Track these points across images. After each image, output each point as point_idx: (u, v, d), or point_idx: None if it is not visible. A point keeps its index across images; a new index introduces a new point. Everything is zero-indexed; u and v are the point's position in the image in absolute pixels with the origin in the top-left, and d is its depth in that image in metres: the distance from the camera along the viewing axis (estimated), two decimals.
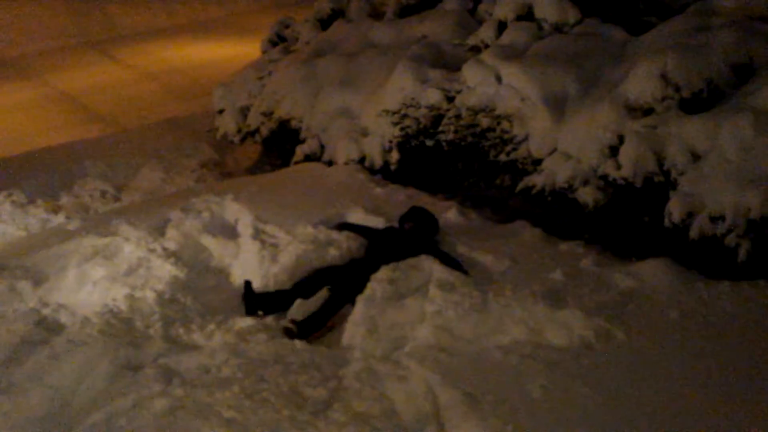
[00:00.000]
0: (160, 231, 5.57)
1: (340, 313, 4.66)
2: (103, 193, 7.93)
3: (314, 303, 4.68)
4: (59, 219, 7.03)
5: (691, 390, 3.54)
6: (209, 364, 4.03)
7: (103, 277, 4.92)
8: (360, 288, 4.64)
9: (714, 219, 4.77)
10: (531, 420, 3.38)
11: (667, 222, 4.98)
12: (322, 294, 4.73)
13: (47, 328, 4.39)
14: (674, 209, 4.93)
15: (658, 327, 4.07)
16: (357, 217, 5.76)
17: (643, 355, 3.84)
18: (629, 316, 4.17)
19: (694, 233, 4.84)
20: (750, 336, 3.97)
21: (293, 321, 4.49)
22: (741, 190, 4.67)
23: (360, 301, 4.52)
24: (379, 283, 4.61)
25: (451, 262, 4.87)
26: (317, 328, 4.56)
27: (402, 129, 6.83)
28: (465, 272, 4.79)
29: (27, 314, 4.50)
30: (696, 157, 4.99)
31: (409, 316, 4.40)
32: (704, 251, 4.81)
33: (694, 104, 5.23)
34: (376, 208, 5.87)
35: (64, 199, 7.64)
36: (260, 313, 4.67)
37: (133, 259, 5.12)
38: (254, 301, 4.72)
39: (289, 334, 4.44)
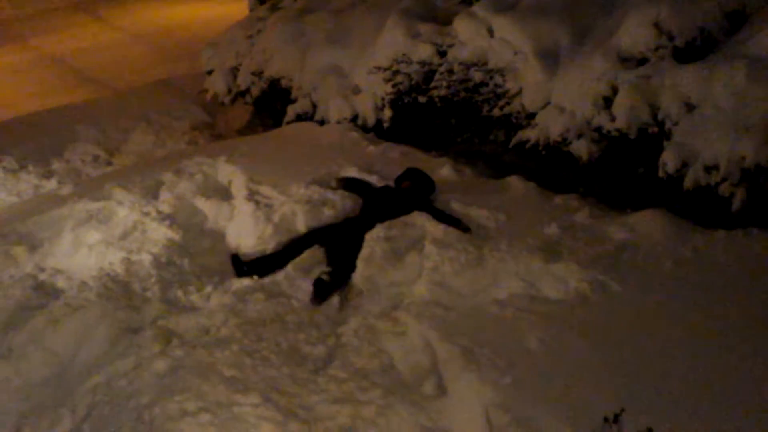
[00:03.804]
0: (153, 194, 5.55)
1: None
2: (95, 158, 7.89)
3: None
4: (51, 184, 7.00)
5: (686, 339, 3.59)
6: (208, 324, 4.06)
7: (99, 241, 4.92)
8: (356, 247, 4.65)
9: (708, 168, 4.76)
10: (528, 371, 3.42)
11: (661, 173, 4.98)
12: (317, 253, 4.74)
13: (44, 292, 4.41)
14: (668, 160, 4.92)
15: (653, 277, 4.11)
16: (351, 175, 5.74)
17: (637, 306, 3.88)
18: (624, 267, 4.20)
19: (688, 183, 4.84)
20: (744, 284, 4.01)
21: (320, 280, 4.40)
22: (735, 139, 4.65)
23: (359, 261, 4.53)
24: (376, 241, 4.62)
25: (451, 220, 4.86)
26: (335, 288, 4.47)
27: (394, 86, 6.76)
28: (466, 229, 4.76)
29: (23, 279, 4.51)
30: (690, 107, 4.97)
31: (407, 273, 4.42)
32: (699, 201, 4.82)
33: (688, 53, 5.18)
34: (369, 167, 5.85)
35: (56, 165, 7.59)
36: (254, 277, 4.67)
37: (128, 222, 5.11)
38: (243, 269, 4.72)
39: (319, 289, 4.38)
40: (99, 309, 4.15)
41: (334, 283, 4.43)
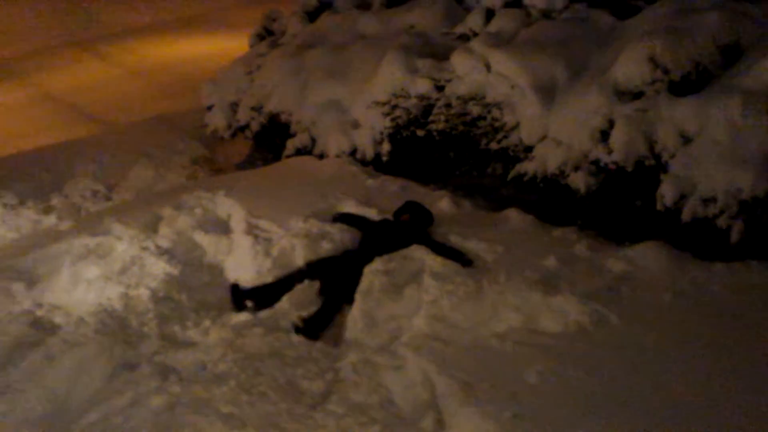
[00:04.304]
0: (152, 228, 5.56)
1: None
2: (95, 193, 7.90)
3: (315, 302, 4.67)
4: (51, 220, 6.99)
5: (685, 372, 3.56)
6: (205, 360, 4.03)
7: (97, 276, 4.91)
8: (355, 280, 4.64)
9: (706, 201, 4.78)
10: (528, 405, 3.39)
11: (659, 205, 4.99)
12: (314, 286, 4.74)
13: (42, 329, 4.37)
14: (666, 192, 4.94)
15: (652, 310, 4.09)
16: (349, 209, 5.75)
17: (637, 339, 3.85)
18: (623, 299, 4.19)
19: (686, 216, 4.85)
20: (743, 317, 3.99)
21: (302, 318, 4.43)
22: (732, 172, 4.68)
23: (358, 294, 4.52)
24: (375, 275, 4.61)
25: (450, 252, 4.84)
26: (325, 324, 4.50)
27: (392, 120, 6.82)
28: (468, 262, 4.75)
29: (21, 316, 4.48)
30: (686, 140, 5.00)
31: (406, 306, 4.40)
32: (697, 233, 4.82)
33: (684, 87, 5.23)
34: (368, 200, 5.86)
35: (55, 200, 7.60)
36: (249, 304, 4.66)
37: (127, 257, 5.10)
38: (242, 298, 4.72)
39: (298, 330, 4.38)
40: (96, 345, 4.13)
41: (313, 326, 4.41)
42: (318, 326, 4.44)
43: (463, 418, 3.37)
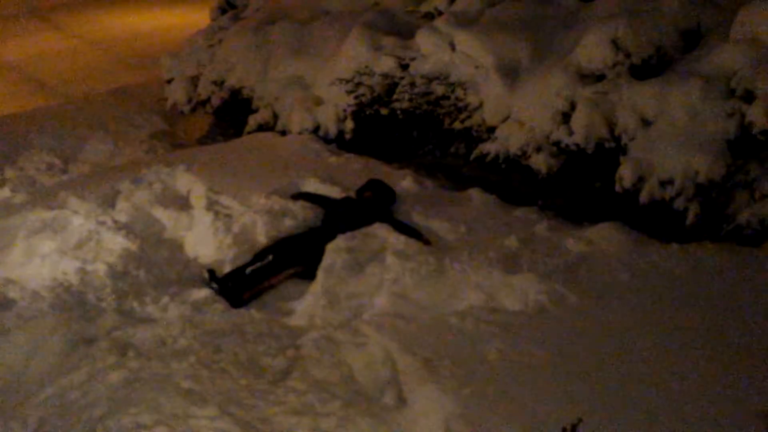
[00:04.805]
0: (110, 203, 5.44)
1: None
2: (50, 166, 7.71)
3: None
4: (4, 193, 6.81)
5: (642, 349, 3.64)
6: (165, 335, 3.99)
7: (53, 250, 4.79)
8: (317, 257, 4.63)
9: (663, 183, 4.87)
10: (488, 382, 3.43)
11: (618, 187, 5.07)
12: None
13: None
14: (625, 174, 5.02)
15: (610, 289, 4.17)
16: (312, 186, 5.72)
17: (595, 317, 3.93)
18: (582, 279, 4.26)
19: (644, 197, 4.94)
20: (698, 295, 4.10)
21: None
22: (689, 155, 4.77)
23: (320, 271, 4.51)
24: (337, 252, 4.60)
25: (411, 232, 4.87)
26: (245, 286, 4.56)
27: (356, 97, 6.78)
28: (427, 242, 4.79)
29: None
30: (646, 123, 5.08)
31: (367, 284, 4.41)
32: (654, 215, 4.92)
33: (644, 70, 5.30)
34: (331, 178, 5.83)
35: (9, 172, 7.41)
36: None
37: (83, 231, 4.99)
38: (226, 284, 4.65)
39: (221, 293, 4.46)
40: (52, 320, 4.05)
41: (227, 286, 4.50)
42: (236, 286, 4.52)
43: (424, 395, 3.40)
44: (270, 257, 4.74)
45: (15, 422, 3.43)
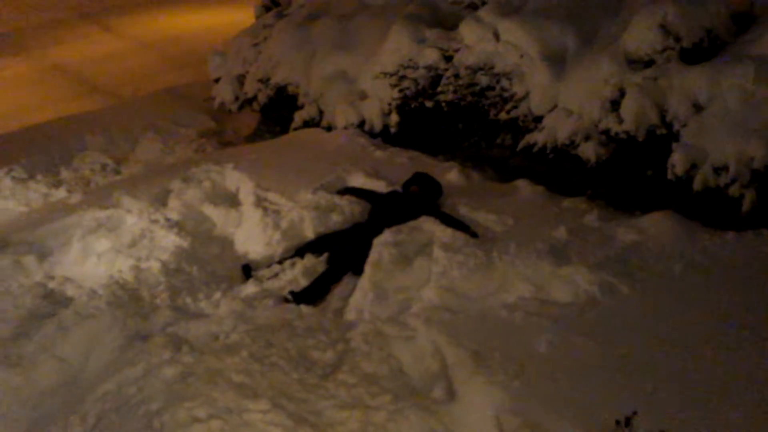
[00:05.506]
0: (161, 202, 5.57)
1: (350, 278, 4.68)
2: (104, 166, 7.91)
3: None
4: (60, 193, 7.01)
5: (696, 341, 3.56)
6: (217, 331, 4.05)
7: (108, 249, 4.93)
8: (364, 252, 4.65)
9: (717, 170, 4.74)
10: (538, 375, 3.40)
11: (670, 174, 4.96)
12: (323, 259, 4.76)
13: (54, 301, 4.42)
14: (677, 161, 4.91)
15: (662, 279, 4.08)
16: (358, 181, 5.75)
17: (647, 308, 3.85)
18: (633, 269, 4.18)
19: (697, 185, 4.82)
20: (754, 285, 3.98)
21: (291, 292, 4.49)
22: (744, 140, 4.64)
23: (368, 265, 4.53)
24: (384, 246, 4.61)
25: (458, 224, 4.85)
26: (318, 296, 4.56)
27: (400, 91, 6.77)
28: (474, 234, 4.76)
29: (33, 288, 4.52)
30: (698, 108, 4.95)
31: (415, 277, 4.41)
32: (708, 202, 4.80)
33: (695, 54, 5.17)
34: (376, 172, 5.85)
35: (65, 174, 7.62)
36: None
37: (137, 230, 5.12)
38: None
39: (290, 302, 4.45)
40: (108, 317, 4.16)
41: (304, 297, 4.47)
42: (310, 297, 4.48)
43: (474, 388, 3.39)
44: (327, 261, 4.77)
45: (74, 417, 3.54)
